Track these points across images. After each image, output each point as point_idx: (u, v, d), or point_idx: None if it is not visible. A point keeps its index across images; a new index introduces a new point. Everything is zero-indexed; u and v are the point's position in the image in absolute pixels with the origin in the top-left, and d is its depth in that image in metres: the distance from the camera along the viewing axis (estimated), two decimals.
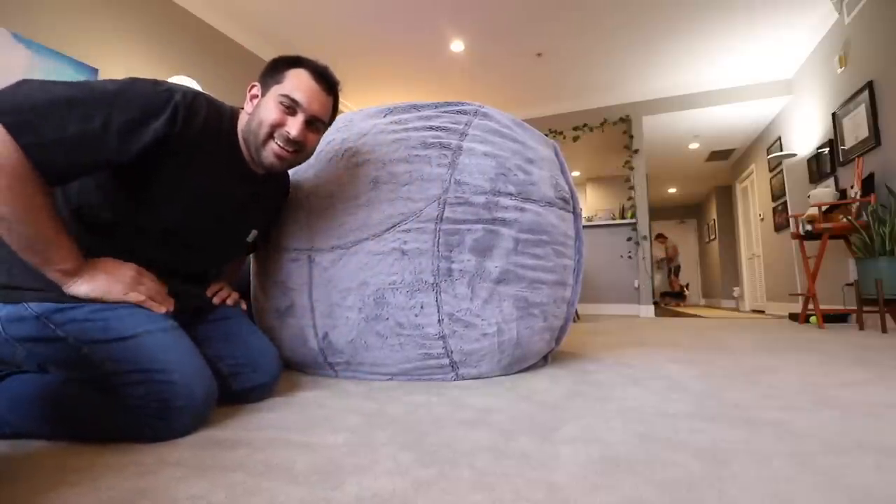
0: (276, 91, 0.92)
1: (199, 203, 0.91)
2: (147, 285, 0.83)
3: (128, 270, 0.82)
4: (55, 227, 0.72)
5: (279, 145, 0.93)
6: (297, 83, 0.93)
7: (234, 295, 1.11)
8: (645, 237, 4.69)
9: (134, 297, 0.81)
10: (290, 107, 0.92)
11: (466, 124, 1.29)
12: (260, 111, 0.92)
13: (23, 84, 0.70)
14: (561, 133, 5.15)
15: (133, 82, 0.78)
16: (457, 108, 1.33)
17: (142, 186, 0.83)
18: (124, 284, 0.80)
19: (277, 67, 0.95)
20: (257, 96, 0.95)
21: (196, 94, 0.86)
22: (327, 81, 0.97)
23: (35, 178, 0.69)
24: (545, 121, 5.30)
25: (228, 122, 0.94)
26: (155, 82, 0.81)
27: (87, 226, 0.82)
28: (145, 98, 0.77)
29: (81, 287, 0.76)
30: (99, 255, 0.82)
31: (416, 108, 1.32)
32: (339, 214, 1.21)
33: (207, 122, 0.87)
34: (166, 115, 0.79)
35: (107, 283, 0.78)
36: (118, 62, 2.87)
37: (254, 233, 1.11)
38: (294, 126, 0.92)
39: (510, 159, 1.28)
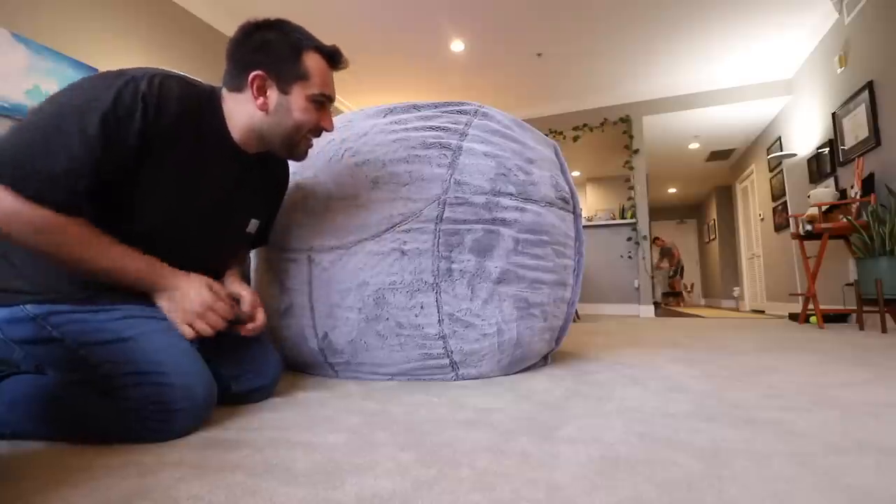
0: (303, 90, 0.88)
1: (187, 195, 0.85)
2: (210, 319, 0.82)
3: (196, 297, 0.82)
4: (111, 257, 0.75)
5: (311, 139, 0.95)
6: (323, 77, 0.90)
7: (260, 323, 0.97)
8: (645, 237, 4.69)
9: (186, 330, 0.81)
10: (323, 102, 0.92)
11: (466, 124, 1.29)
12: (292, 115, 0.88)
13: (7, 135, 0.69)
14: (561, 133, 5.15)
15: (92, 87, 0.72)
16: (457, 108, 1.33)
17: (120, 191, 0.77)
18: (188, 313, 0.81)
19: (286, 54, 0.86)
20: (264, 88, 0.87)
21: (164, 76, 0.78)
22: (340, 62, 0.94)
23: (55, 220, 0.70)
24: (545, 121, 5.30)
25: (208, 102, 0.86)
26: (117, 75, 0.74)
27: None
28: (109, 103, 0.71)
29: (162, 303, 0.82)
30: None
31: (416, 108, 1.32)
32: (338, 214, 1.21)
33: (182, 105, 0.80)
34: (137, 112, 0.73)
35: (174, 306, 0.82)
36: (118, 62, 2.87)
37: (254, 223, 1.04)
38: (328, 120, 0.94)
39: (510, 159, 1.28)
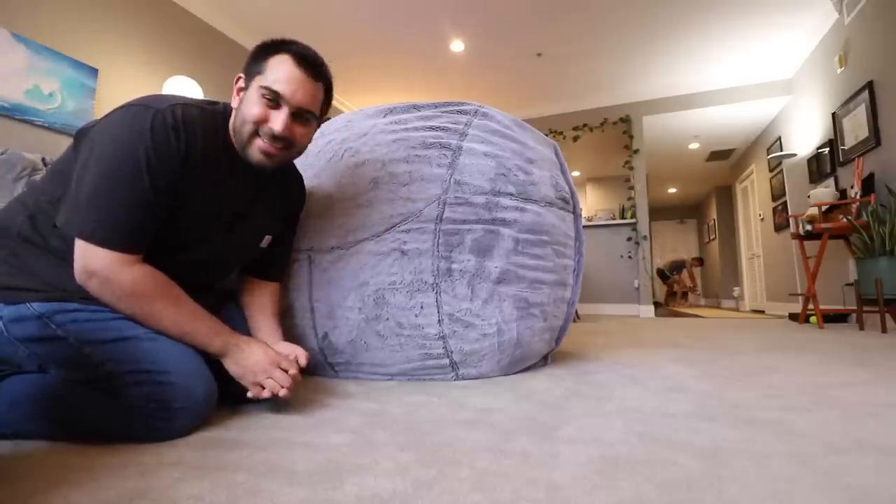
0: (257, 83, 0.85)
1: (211, 216, 0.90)
2: (277, 376, 0.85)
3: (263, 358, 0.85)
4: (186, 325, 0.81)
5: (265, 142, 0.86)
6: (279, 73, 0.84)
7: (299, 370, 0.93)
8: (645, 237, 4.69)
9: (256, 391, 0.84)
10: (273, 100, 0.84)
11: (466, 124, 1.29)
12: (243, 107, 0.86)
13: (74, 190, 0.76)
14: (561, 133, 5.15)
15: (130, 133, 0.76)
16: (457, 108, 1.33)
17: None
18: (256, 373, 0.84)
19: (259, 55, 0.87)
20: (243, 89, 0.88)
21: (183, 106, 0.82)
22: (313, 67, 0.87)
23: (150, 281, 0.78)
24: (545, 121, 5.30)
25: (221, 120, 0.90)
26: (143, 109, 0.77)
27: None
28: (150, 142, 0.76)
29: (229, 366, 0.85)
30: None
31: (416, 108, 1.32)
32: (338, 215, 1.21)
33: (206, 131, 0.85)
34: (172, 144, 0.78)
35: (241, 370, 0.85)
36: (118, 62, 2.87)
37: (267, 238, 1.05)
38: (278, 121, 0.85)
39: (510, 159, 1.28)
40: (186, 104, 0.83)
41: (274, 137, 0.86)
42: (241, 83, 0.89)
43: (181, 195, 0.83)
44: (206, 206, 0.88)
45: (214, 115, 0.89)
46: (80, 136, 0.82)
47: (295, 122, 0.88)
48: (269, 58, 0.87)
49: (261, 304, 1.06)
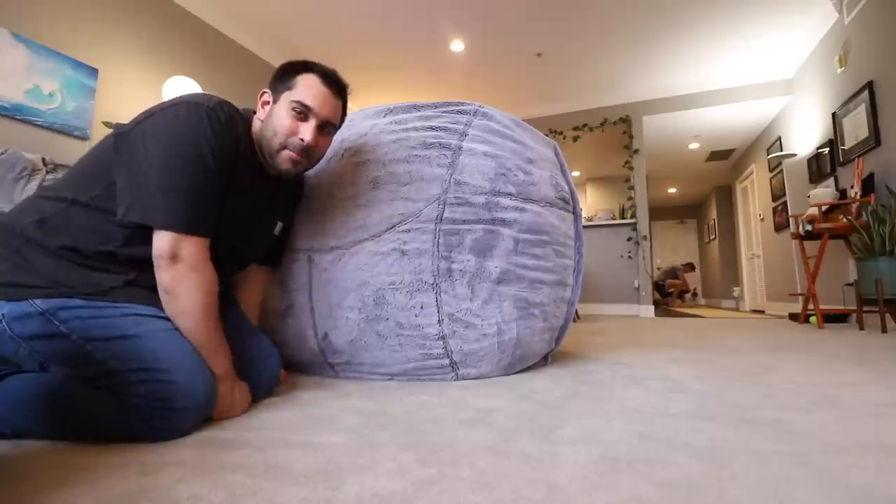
0: (287, 98, 0.94)
1: (241, 208, 0.95)
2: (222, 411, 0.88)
3: (240, 406, 0.88)
4: (214, 340, 0.84)
5: (293, 152, 0.96)
6: (308, 89, 0.95)
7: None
8: (645, 237, 4.69)
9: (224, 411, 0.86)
10: (303, 113, 0.95)
11: (466, 124, 1.29)
12: (273, 119, 0.95)
13: (143, 177, 0.79)
14: (561, 133, 5.15)
15: (190, 127, 0.82)
16: (456, 108, 1.33)
17: None
18: (225, 411, 0.86)
19: (287, 73, 0.96)
20: (269, 103, 0.97)
21: (227, 105, 0.90)
22: (337, 85, 0.99)
23: (214, 282, 0.84)
24: (545, 121, 5.30)
25: (245, 125, 0.97)
26: (195, 104, 0.84)
27: (124, 260, 0.83)
28: (210, 135, 0.83)
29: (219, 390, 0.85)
30: (137, 280, 0.83)
31: (415, 108, 1.32)
32: (338, 215, 1.21)
33: (243, 130, 0.93)
34: (227, 137, 0.86)
35: (229, 398, 0.86)
36: (118, 62, 2.87)
37: (279, 225, 1.13)
38: (307, 132, 0.95)
39: (510, 159, 1.28)
40: (226, 102, 0.90)
41: (302, 147, 0.96)
42: (267, 97, 0.98)
43: (228, 187, 0.89)
44: (241, 199, 0.94)
45: (246, 120, 0.97)
46: (120, 137, 0.83)
47: (320, 134, 0.99)
48: (298, 76, 0.96)
49: (250, 293, 1.18)
